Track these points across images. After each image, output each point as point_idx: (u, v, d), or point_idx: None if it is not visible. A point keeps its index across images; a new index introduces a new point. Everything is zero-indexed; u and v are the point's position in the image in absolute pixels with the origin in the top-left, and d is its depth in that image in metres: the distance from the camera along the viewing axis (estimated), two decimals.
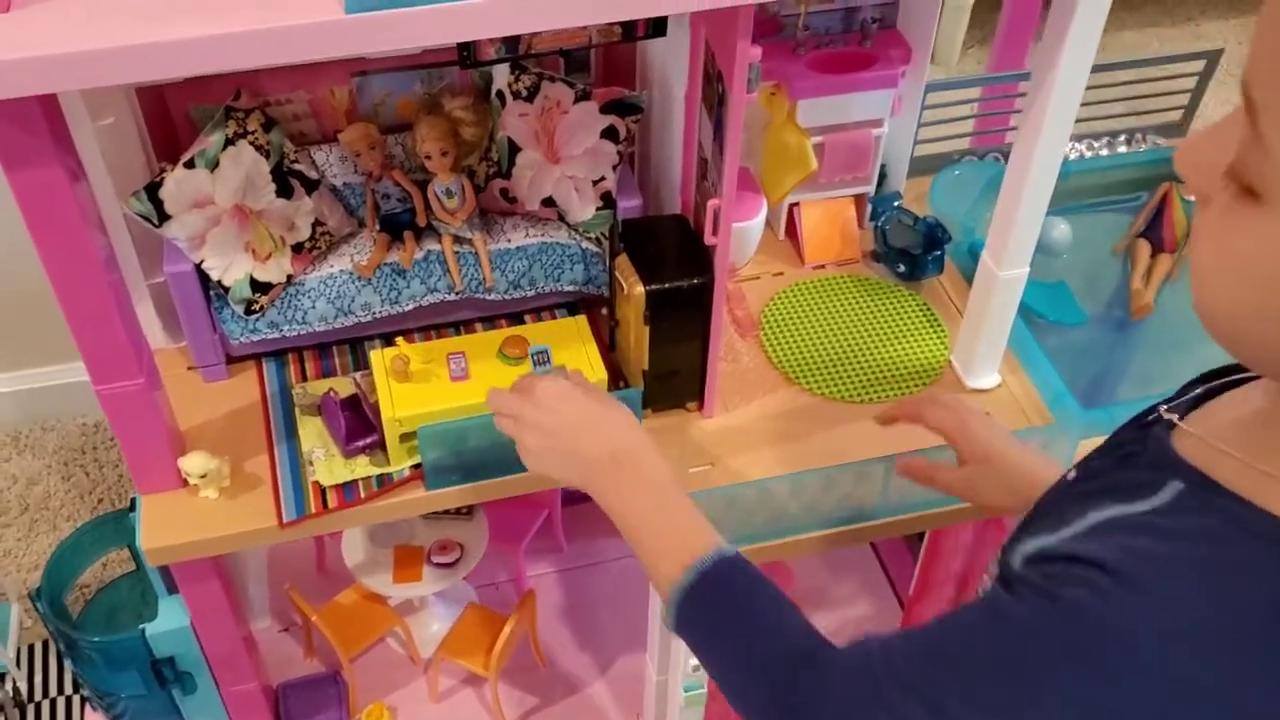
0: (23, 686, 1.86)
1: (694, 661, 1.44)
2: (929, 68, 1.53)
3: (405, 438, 1.30)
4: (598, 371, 1.34)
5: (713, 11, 1.02)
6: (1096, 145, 1.74)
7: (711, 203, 1.21)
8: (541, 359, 1.30)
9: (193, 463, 1.27)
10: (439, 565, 1.68)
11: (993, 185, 1.41)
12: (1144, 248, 1.61)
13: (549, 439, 1.07)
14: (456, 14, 0.94)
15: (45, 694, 1.87)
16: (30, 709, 1.85)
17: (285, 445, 1.35)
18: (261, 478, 1.33)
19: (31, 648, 1.91)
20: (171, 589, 1.44)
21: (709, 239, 1.24)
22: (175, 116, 1.38)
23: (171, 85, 1.35)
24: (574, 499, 1.97)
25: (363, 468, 1.32)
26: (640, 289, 1.27)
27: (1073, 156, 1.73)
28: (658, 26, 1.22)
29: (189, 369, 1.44)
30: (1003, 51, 1.69)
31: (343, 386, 1.38)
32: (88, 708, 1.82)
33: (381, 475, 1.31)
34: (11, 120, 0.97)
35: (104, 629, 1.82)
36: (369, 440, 1.32)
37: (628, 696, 1.77)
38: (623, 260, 1.31)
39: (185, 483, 1.30)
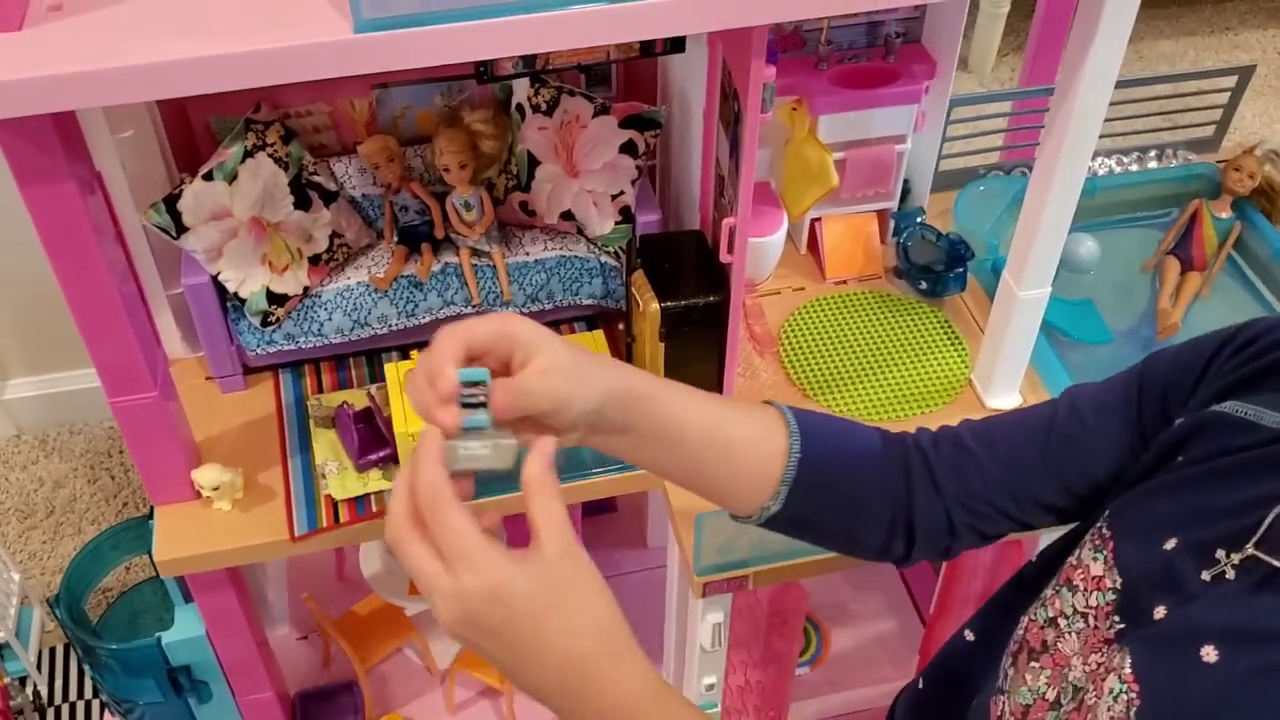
0: (43, 690, 1.87)
1: (708, 680, 1.43)
2: (961, 76, 1.51)
3: None
4: None
5: (728, 31, 1.01)
6: (1126, 160, 1.72)
7: (726, 221, 1.20)
8: (476, 398, 0.72)
9: (206, 475, 1.27)
10: None
11: (1018, 201, 1.39)
12: (1173, 265, 1.58)
13: (469, 634, 0.70)
14: (467, 34, 0.93)
15: (65, 698, 1.88)
16: (50, 713, 1.87)
17: (299, 458, 1.35)
18: (275, 490, 1.33)
19: (53, 651, 1.92)
20: (188, 597, 1.45)
21: (724, 257, 1.23)
22: (196, 128, 1.38)
23: (192, 97, 1.35)
24: (595, 510, 1.97)
25: (375, 481, 1.32)
26: (655, 306, 1.26)
27: (1101, 172, 1.71)
28: (676, 43, 1.21)
29: (207, 379, 1.44)
30: (1034, 63, 1.66)
31: (357, 399, 1.37)
32: (106, 713, 1.83)
33: None
34: (24, 136, 0.97)
35: (126, 634, 1.83)
36: (382, 454, 1.32)
37: None
38: (639, 276, 1.30)
39: (199, 494, 1.30)
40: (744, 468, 0.90)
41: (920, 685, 1.05)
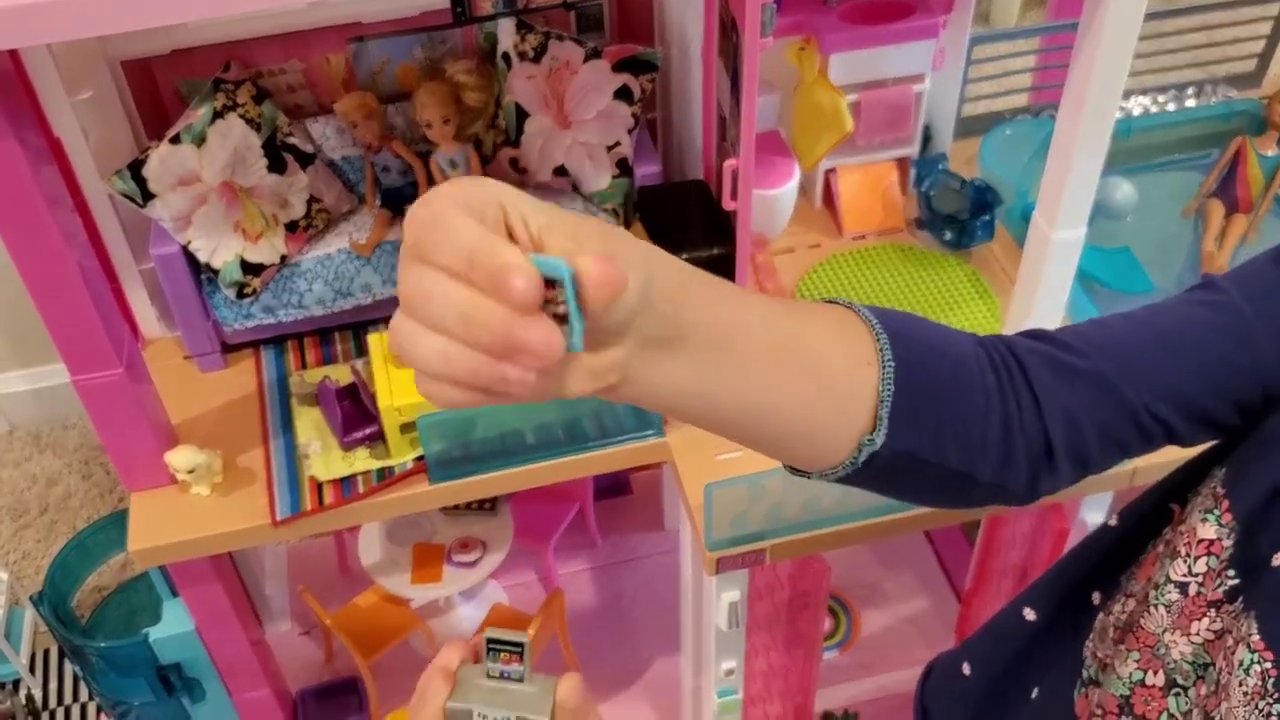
0: (37, 694, 1.80)
1: (727, 664, 1.33)
2: (979, 24, 1.40)
3: (406, 428, 1.21)
4: None
5: None
6: (1162, 99, 1.60)
7: (729, 163, 1.10)
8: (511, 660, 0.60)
9: (179, 457, 1.19)
10: (460, 564, 1.58)
11: (1048, 144, 1.29)
12: (1217, 208, 1.47)
13: None
14: None
15: (60, 701, 1.81)
16: (45, 716, 1.79)
17: (282, 438, 1.27)
18: (256, 473, 1.24)
19: (46, 653, 1.85)
20: (175, 591, 1.37)
21: (728, 204, 1.13)
22: (164, 92, 1.30)
23: (158, 59, 1.27)
24: (608, 492, 1.88)
25: (362, 461, 1.23)
26: None
27: (1136, 112, 1.60)
28: None
29: (185, 359, 1.36)
30: (1060, 2, 1.56)
31: (341, 374, 1.29)
32: (101, 715, 1.76)
33: (382, 469, 1.22)
34: None
35: (122, 632, 1.76)
36: (368, 431, 1.23)
37: (664, 702, 1.67)
38: (637, 230, 1.20)
39: (175, 479, 1.22)
40: (833, 385, 0.64)
41: (966, 671, 0.94)
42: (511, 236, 0.49)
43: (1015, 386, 0.68)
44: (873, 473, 0.66)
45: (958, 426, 0.67)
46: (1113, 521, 0.83)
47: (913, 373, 0.65)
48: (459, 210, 0.48)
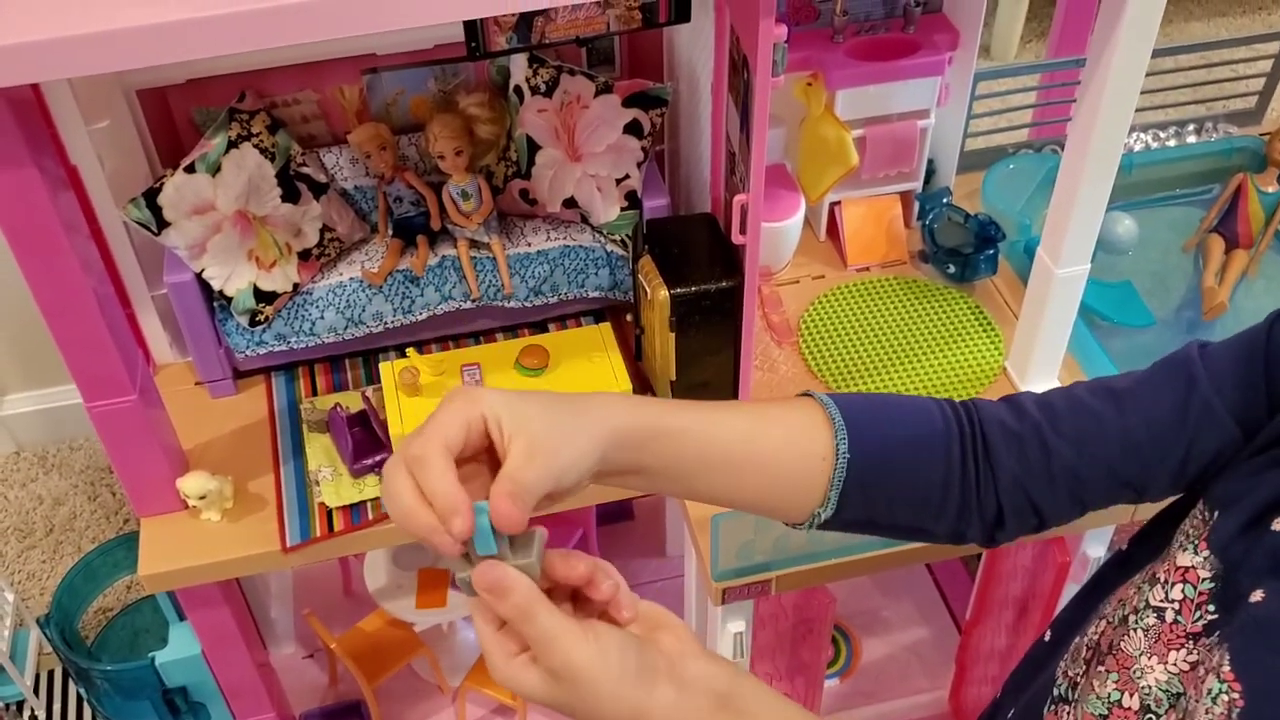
0: (41, 715, 1.80)
1: None
2: (982, 63, 1.42)
3: None
4: (622, 383, 1.25)
5: None
6: (1163, 136, 1.63)
7: (738, 198, 1.12)
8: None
9: (191, 484, 1.20)
10: None
11: (1050, 179, 1.31)
12: (1217, 243, 1.49)
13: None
14: None
15: None
16: None
17: (292, 464, 1.28)
18: (266, 499, 1.25)
19: (51, 674, 1.85)
20: (182, 615, 1.38)
21: (736, 238, 1.15)
22: (179, 121, 1.32)
23: (173, 88, 1.29)
24: (611, 518, 1.89)
25: (372, 488, 1.24)
26: (664, 293, 1.18)
27: (1138, 148, 1.61)
28: (681, 11, 1.13)
29: (196, 384, 1.37)
30: (1061, 39, 1.58)
31: (352, 401, 1.30)
32: None
33: None
34: None
35: (127, 654, 1.77)
36: (378, 458, 1.24)
37: None
38: (646, 263, 1.22)
39: (186, 505, 1.23)
40: (787, 479, 0.78)
41: (998, 694, 0.96)
42: (492, 441, 0.66)
43: (976, 458, 0.80)
44: (832, 529, 0.81)
45: (910, 499, 0.80)
46: (1124, 546, 0.86)
47: (868, 461, 0.78)
48: (440, 456, 0.63)
